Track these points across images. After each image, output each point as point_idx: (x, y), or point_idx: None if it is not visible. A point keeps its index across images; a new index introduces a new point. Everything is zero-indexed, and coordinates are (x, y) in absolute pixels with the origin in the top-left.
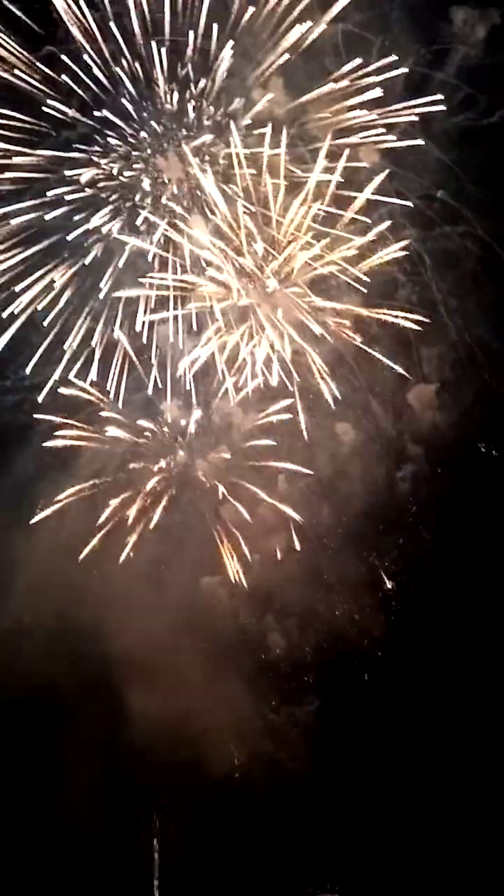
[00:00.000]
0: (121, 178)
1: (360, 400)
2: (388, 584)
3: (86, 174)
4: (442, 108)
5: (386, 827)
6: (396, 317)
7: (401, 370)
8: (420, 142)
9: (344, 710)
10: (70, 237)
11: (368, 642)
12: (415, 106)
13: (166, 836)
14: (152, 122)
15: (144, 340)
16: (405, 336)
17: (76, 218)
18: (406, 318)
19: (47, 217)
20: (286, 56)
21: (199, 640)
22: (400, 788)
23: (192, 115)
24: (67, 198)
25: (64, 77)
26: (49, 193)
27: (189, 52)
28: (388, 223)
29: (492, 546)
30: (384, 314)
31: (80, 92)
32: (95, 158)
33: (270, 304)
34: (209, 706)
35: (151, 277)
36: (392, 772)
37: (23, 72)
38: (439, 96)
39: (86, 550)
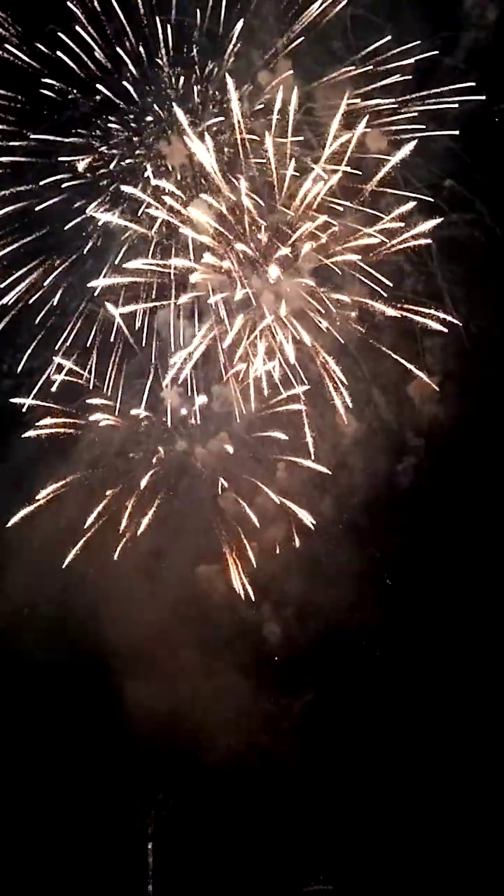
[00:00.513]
0: (121, 164)
1: (362, 391)
2: (387, 577)
3: (83, 161)
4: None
5: (380, 819)
6: (400, 308)
7: (404, 362)
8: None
9: (340, 701)
10: (68, 227)
11: (366, 634)
12: (434, 95)
13: (161, 825)
14: (155, 106)
15: (145, 326)
16: (410, 326)
17: (76, 205)
18: (411, 311)
19: (43, 206)
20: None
21: (195, 629)
22: (395, 780)
23: (196, 98)
24: (65, 185)
25: (64, 56)
26: (46, 181)
27: (196, 33)
28: (411, 204)
29: (491, 539)
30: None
31: (79, 72)
32: (94, 143)
33: (273, 292)
34: (205, 696)
35: (151, 263)
36: (387, 764)
37: (21, 50)
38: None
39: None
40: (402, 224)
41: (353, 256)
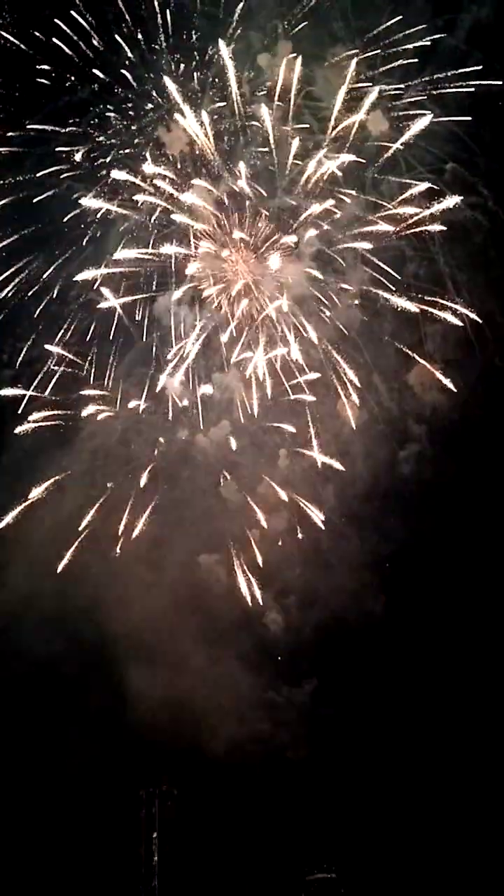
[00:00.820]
0: (119, 153)
1: (363, 377)
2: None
3: (80, 151)
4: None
5: (383, 808)
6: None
7: (405, 349)
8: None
9: (342, 690)
10: (67, 218)
11: (368, 622)
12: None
13: (165, 815)
14: (154, 93)
15: (145, 315)
16: (411, 311)
17: (74, 195)
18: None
19: (41, 197)
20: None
21: (198, 618)
22: (397, 770)
23: (196, 84)
24: (63, 176)
25: (60, 43)
26: (43, 172)
27: (195, 17)
28: (422, 186)
29: (493, 528)
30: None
31: (76, 59)
32: (92, 132)
33: (274, 279)
34: (208, 686)
35: (148, 253)
36: (389, 753)
37: (16, 36)
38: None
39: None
40: (409, 211)
41: (362, 244)
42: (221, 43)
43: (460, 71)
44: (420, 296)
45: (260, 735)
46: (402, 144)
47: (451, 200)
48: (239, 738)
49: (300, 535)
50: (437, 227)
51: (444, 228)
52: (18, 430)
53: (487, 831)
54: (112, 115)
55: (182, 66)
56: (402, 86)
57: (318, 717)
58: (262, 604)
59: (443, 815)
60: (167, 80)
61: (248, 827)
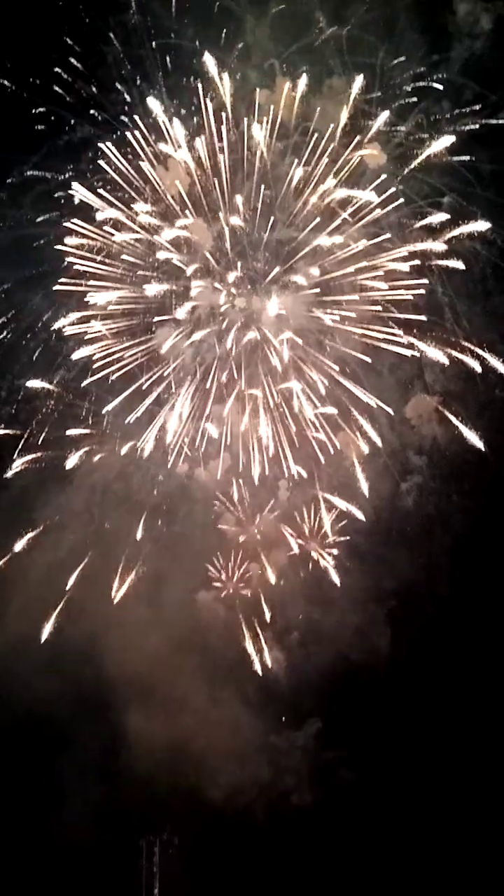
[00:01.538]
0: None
1: (363, 409)
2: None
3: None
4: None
5: (390, 858)
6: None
7: (404, 380)
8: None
9: (347, 731)
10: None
11: (373, 659)
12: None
13: (165, 864)
14: (149, 132)
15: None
16: (410, 343)
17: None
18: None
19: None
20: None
21: (196, 657)
22: (405, 815)
23: (194, 121)
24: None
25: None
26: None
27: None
28: (443, 217)
29: (497, 558)
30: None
31: (72, 100)
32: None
33: (273, 311)
34: (208, 729)
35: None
36: (397, 798)
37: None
38: None
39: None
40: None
41: (380, 284)
42: (210, 60)
43: (457, 112)
44: (415, 330)
45: (262, 780)
46: (401, 177)
47: (465, 228)
48: (241, 784)
49: (300, 567)
50: (453, 263)
51: (458, 263)
52: (9, 473)
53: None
54: (109, 152)
55: (179, 103)
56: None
57: (322, 761)
58: (259, 639)
59: (456, 863)
60: (162, 115)
61: (249, 877)
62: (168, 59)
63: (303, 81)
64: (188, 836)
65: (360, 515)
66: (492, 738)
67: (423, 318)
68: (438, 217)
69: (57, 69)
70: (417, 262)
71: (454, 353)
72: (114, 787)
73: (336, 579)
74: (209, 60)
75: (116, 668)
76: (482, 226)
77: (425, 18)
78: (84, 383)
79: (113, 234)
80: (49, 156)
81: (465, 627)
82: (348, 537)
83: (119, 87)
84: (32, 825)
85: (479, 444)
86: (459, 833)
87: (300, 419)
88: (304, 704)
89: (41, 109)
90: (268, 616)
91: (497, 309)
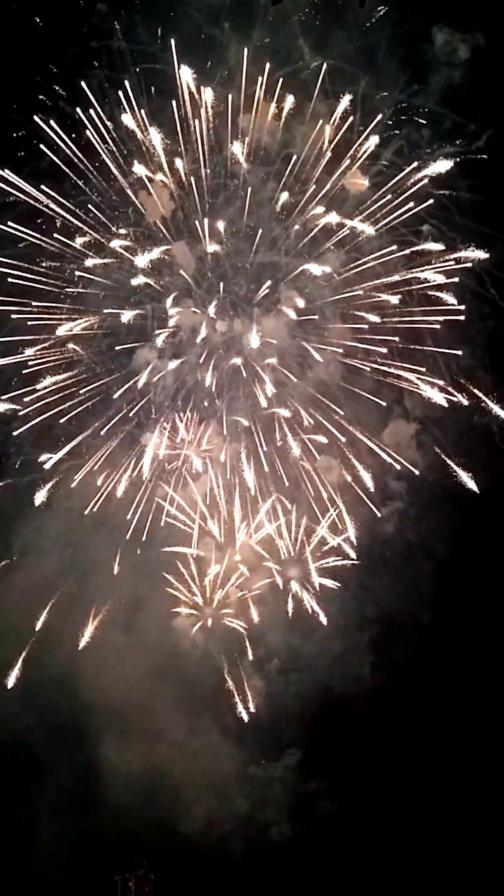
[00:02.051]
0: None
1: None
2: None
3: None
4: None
5: (371, 892)
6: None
7: (384, 404)
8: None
9: (327, 762)
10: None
11: (355, 687)
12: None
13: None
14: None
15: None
16: (391, 369)
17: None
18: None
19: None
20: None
21: (172, 686)
22: (387, 848)
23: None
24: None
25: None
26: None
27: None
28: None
29: (481, 590)
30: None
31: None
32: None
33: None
34: (185, 759)
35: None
36: (379, 831)
37: None
38: None
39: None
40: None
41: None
42: (186, 73)
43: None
44: (395, 360)
45: (240, 812)
46: (380, 204)
47: (463, 254)
48: (219, 817)
49: (280, 594)
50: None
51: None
52: None
53: None
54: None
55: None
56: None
57: (301, 793)
58: (237, 667)
59: None
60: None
61: None
62: (152, 87)
63: (288, 104)
64: (164, 870)
65: (350, 552)
66: (476, 768)
67: (403, 345)
68: (423, 245)
69: (40, 95)
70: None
71: (436, 382)
72: (89, 820)
73: (322, 617)
74: (189, 81)
75: (93, 695)
76: (473, 254)
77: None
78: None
79: (91, 256)
80: (30, 176)
81: (449, 655)
82: (336, 584)
83: (101, 110)
84: (4, 860)
85: (462, 474)
86: (444, 868)
87: (283, 446)
88: (284, 734)
89: (22, 132)
90: (248, 648)
91: (476, 336)
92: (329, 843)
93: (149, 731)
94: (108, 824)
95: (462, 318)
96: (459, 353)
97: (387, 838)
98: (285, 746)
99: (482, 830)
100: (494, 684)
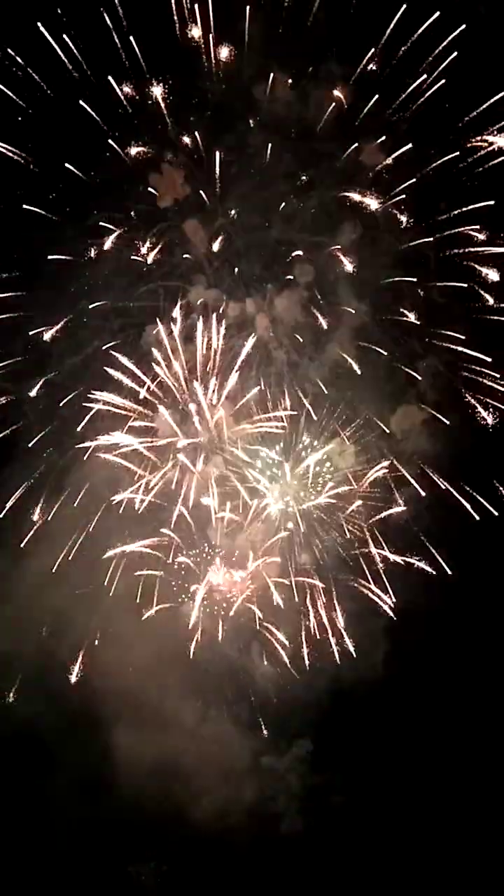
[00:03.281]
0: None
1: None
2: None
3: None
4: None
5: (382, 884)
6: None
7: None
8: None
9: (338, 753)
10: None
11: (366, 676)
12: None
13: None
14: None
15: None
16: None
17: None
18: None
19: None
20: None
21: (184, 671)
22: (397, 842)
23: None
24: None
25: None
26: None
27: None
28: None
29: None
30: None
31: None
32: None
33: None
34: (197, 749)
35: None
36: (388, 824)
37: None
38: None
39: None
40: None
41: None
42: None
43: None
44: (404, 339)
45: (253, 804)
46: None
47: None
48: (232, 808)
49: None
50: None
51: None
52: None
53: None
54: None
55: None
56: None
57: (312, 783)
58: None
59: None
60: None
61: None
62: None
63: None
64: (175, 860)
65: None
66: (488, 761)
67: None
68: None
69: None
70: None
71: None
72: (101, 811)
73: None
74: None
75: (104, 682)
76: None
77: None
78: None
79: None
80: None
81: (463, 645)
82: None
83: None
84: (16, 850)
85: None
86: (454, 861)
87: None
88: (293, 723)
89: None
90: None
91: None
92: (340, 835)
93: (159, 720)
94: (118, 814)
95: None
96: None
97: (399, 833)
98: (297, 735)
99: (497, 827)
100: None
